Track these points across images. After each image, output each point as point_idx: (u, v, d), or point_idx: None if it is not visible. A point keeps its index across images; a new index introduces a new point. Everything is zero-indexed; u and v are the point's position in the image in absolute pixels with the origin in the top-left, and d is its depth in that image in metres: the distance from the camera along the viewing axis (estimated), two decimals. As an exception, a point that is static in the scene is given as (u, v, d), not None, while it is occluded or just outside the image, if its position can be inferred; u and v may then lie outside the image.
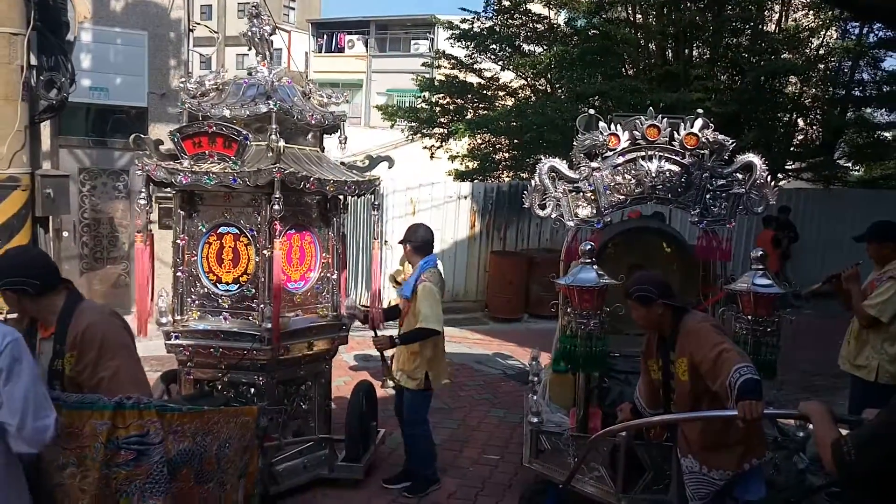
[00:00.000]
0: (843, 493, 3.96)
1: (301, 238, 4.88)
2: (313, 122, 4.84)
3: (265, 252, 4.48)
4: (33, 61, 5.13)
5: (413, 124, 16.69)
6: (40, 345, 2.97)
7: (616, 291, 4.26)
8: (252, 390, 4.60)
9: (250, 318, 4.60)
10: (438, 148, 16.45)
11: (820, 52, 14.29)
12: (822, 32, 14.19)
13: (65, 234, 9.43)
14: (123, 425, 2.68)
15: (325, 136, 5.19)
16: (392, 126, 18.37)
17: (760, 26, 13.60)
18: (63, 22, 5.38)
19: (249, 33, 4.82)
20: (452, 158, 16.53)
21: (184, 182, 4.40)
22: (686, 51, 13.38)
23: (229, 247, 4.66)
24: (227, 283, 4.68)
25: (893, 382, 4.65)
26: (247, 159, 4.42)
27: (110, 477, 2.66)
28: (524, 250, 11.97)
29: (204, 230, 4.68)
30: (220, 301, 4.70)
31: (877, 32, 13.96)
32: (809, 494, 4.44)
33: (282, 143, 4.36)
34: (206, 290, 4.71)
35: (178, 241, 4.70)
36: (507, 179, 15.22)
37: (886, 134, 15.61)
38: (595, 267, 4.23)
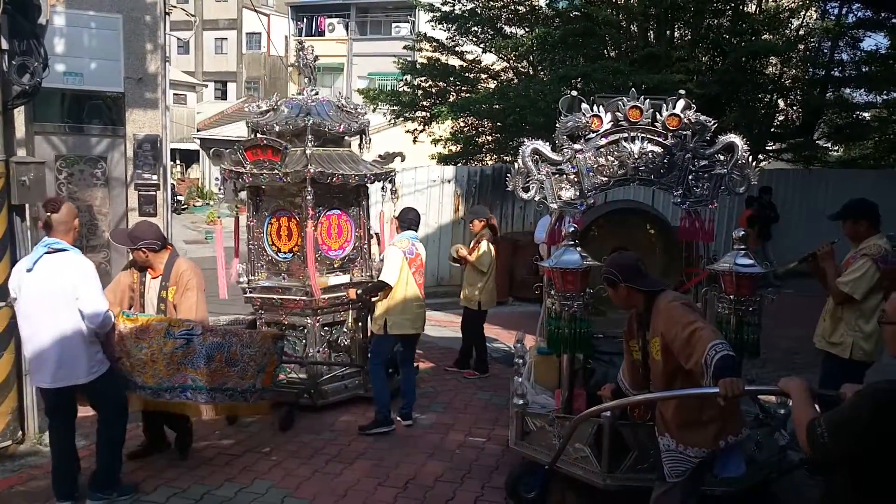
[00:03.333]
0: (821, 471, 4.02)
1: (338, 217, 6.49)
2: (341, 130, 6.30)
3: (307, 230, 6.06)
4: (4, 45, 4.99)
5: (395, 108, 16.55)
6: (149, 282, 4.99)
7: (599, 273, 4.26)
8: (304, 329, 6.30)
9: (301, 277, 6.22)
10: (421, 132, 16.35)
11: (800, 32, 14.30)
12: (801, 13, 14.21)
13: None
14: (176, 325, 4.72)
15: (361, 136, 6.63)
16: (374, 110, 18.19)
17: (741, 7, 13.58)
18: (34, 5, 5.22)
19: (298, 62, 6.59)
20: (435, 142, 16.44)
21: (247, 182, 6.14)
22: (668, 32, 13.36)
23: (285, 226, 6.35)
24: (285, 252, 6.37)
25: (867, 359, 4.71)
26: (289, 162, 5.96)
27: (173, 355, 4.64)
28: (508, 234, 11.97)
29: (267, 214, 6.42)
30: (279, 265, 6.41)
31: (856, 13, 14.03)
32: (791, 470, 4.50)
33: (309, 150, 5.97)
34: (270, 257, 6.44)
35: (249, 223, 6.50)
36: (490, 163, 15.18)
37: (865, 114, 15.68)
38: (578, 249, 4.23)
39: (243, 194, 6.46)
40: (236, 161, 6.15)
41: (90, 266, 4.26)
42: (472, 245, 7.56)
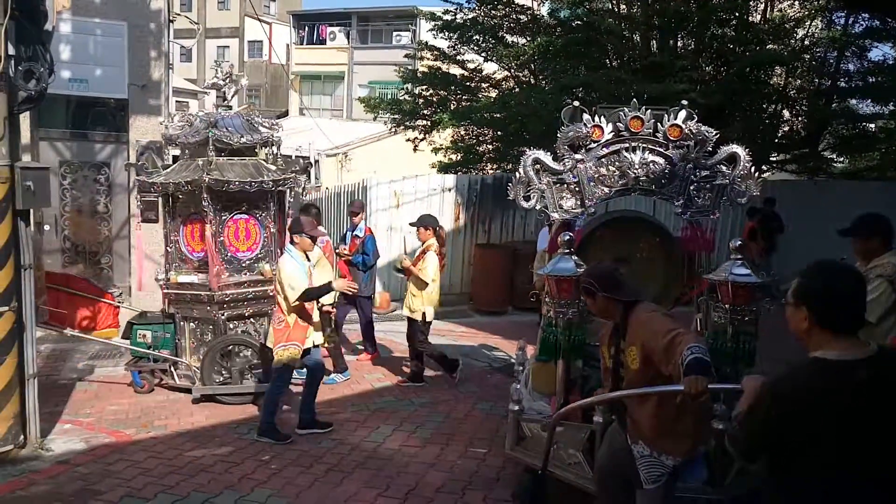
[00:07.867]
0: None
1: (245, 221, 6.84)
2: (243, 142, 6.80)
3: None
4: (11, 51, 5.02)
5: (396, 116, 16.60)
6: None
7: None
8: (210, 320, 6.69)
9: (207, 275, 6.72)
10: (422, 140, 16.40)
11: (805, 42, 14.26)
12: (807, 23, 14.18)
13: (46, 227, 9.31)
14: None
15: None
16: (375, 118, 18.26)
17: (746, 17, 13.56)
18: (41, 11, 5.25)
19: (216, 81, 7.31)
20: (436, 150, 16.48)
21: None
22: (671, 41, 13.35)
23: (198, 229, 6.85)
24: (198, 252, 6.91)
25: None
26: (183, 171, 6.71)
27: None
28: (509, 243, 11.97)
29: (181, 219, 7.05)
30: (192, 264, 6.93)
31: (862, 22, 13.92)
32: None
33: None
34: (184, 256, 6.96)
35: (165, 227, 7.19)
36: (491, 171, 15.19)
37: (871, 125, 15.59)
38: (574, 257, 4.24)
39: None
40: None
41: None
42: (417, 255, 7.26)
